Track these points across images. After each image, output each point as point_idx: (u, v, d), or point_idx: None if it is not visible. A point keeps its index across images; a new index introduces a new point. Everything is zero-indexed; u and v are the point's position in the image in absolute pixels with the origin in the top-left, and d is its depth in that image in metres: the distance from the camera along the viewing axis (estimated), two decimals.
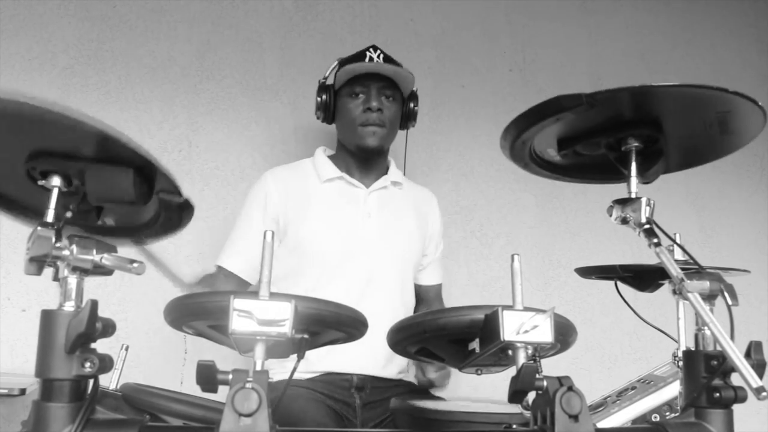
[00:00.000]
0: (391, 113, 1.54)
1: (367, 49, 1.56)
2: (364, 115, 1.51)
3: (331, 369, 1.42)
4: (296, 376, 1.35)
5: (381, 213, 1.55)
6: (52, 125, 0.62)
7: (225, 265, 1.51)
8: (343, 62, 1.56)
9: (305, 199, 1.51)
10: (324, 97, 1.58)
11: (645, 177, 0.80)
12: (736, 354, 0.64)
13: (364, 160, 1.58)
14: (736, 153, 0.81)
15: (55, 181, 0.68)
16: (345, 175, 1.55)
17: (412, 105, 1.61)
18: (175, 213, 0.74)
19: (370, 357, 1.42)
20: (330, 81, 1.60)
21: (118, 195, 0.70)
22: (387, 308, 1.47)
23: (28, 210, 0.77)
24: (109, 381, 0.92)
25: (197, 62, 1.97)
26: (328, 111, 1.58)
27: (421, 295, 1.67)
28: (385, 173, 1.61)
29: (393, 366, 1.48)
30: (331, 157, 1.60)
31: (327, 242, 1.48)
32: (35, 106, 0.58)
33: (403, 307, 1.55)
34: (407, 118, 1.62)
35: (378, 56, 1.55)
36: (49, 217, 0.67)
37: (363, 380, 1.43)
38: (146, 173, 0.70)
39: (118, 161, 0.68)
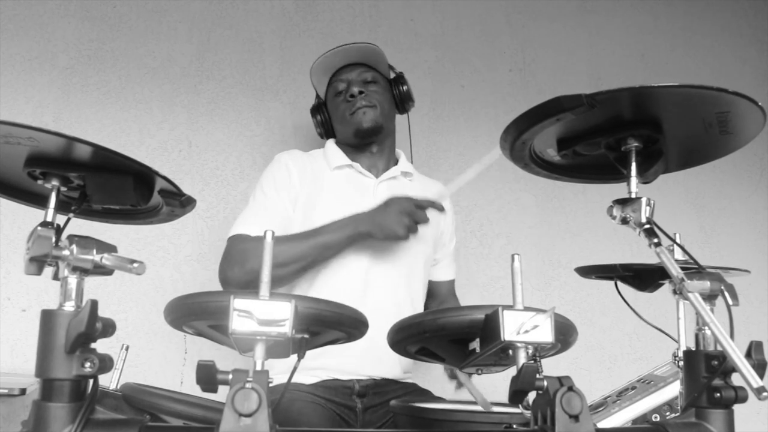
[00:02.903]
0: (377, 94, 1.55)
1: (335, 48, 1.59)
2: (349, 104, 1.54)
3: (333, 375, 1.37)
4: (297, 381, 1.34)
5: None
6: (45, 142, 0.63)
7: (247, 231, 1.39)
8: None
9: (317, 186, 1.49)
10: (318, 116, 1.64)
11: (645, 177, 0.80)
12: (736, 354, 0.64)
13: (368, 148, 1.56)
14: (736, 153, 0.81)
15: (55, 181, 0.68)
16: (355, 164, 1.54)
17: (401, 86, 1.61)
18: (178, 206, 0.75)
19: (374, 358, 1.36)
20: (319, 96, 1.64)
21: (119, 199, 0.70)
22: (391, 305, 1.43)
23: (32, 196, 0.77)
24: (109, 381, 0.92)
25: (197, 62, 1.97)
26: (327, 126, 1.64)
27: (434, 291, 1.63)
28: (395, 164, 1.61)
29: (398, 367, 1.43)
30: (341, 148, 1.59)
31: None
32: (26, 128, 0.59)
33: (410, 305, 1.49)
34: (402, 101, 1.62)
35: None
36: (49, 216, 0.67)
37: (365, 387, 1.38)
38: (146, 177, 0.70)
39: (116, 169, 0.68)
